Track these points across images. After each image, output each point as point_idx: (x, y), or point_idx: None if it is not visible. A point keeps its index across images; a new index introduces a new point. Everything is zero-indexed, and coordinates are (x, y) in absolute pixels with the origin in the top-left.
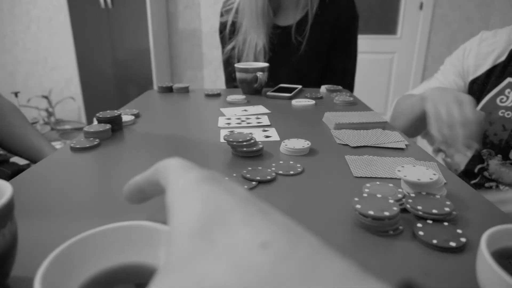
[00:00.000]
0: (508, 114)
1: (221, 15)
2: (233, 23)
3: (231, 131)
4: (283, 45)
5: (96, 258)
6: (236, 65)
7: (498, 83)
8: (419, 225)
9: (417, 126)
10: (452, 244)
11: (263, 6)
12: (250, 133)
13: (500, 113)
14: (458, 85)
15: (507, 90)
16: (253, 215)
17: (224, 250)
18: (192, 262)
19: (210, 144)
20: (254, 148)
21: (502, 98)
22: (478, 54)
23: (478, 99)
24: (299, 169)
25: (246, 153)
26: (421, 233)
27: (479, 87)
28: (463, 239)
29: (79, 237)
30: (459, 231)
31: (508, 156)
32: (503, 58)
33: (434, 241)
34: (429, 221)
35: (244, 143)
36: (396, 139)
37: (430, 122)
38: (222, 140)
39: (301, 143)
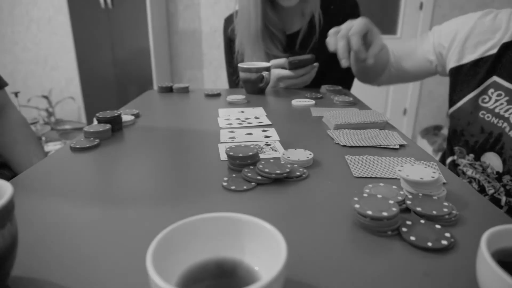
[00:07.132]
0: (488, 117)
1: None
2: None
3: (232, 137)
4: (286, 52)
5: (192, 247)
6: (240, 64)
7: (483, 81)
8: (404, 229)
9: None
10: (444, 242)
11: (256, 32)
12: (255, 145)
13: (480, 114)
14: (429, 60)
15: (491, 90)
16: None
17: None
18: None
19: (210, 144)
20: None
21: (485, 98)
22: (468, 39)
23: (460, 92)
24: None
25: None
26: (412, 238)
27: (462, 79)
28: (447, 234)
29: (177, 225)
30: (447, 234)
31: (479, 158)
32: (494, 51)
33: (429, 244)
34: (422, 221)
35: (249, 160)
36: (393, 141)
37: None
38: (222, 140)
39: (304, 155)
